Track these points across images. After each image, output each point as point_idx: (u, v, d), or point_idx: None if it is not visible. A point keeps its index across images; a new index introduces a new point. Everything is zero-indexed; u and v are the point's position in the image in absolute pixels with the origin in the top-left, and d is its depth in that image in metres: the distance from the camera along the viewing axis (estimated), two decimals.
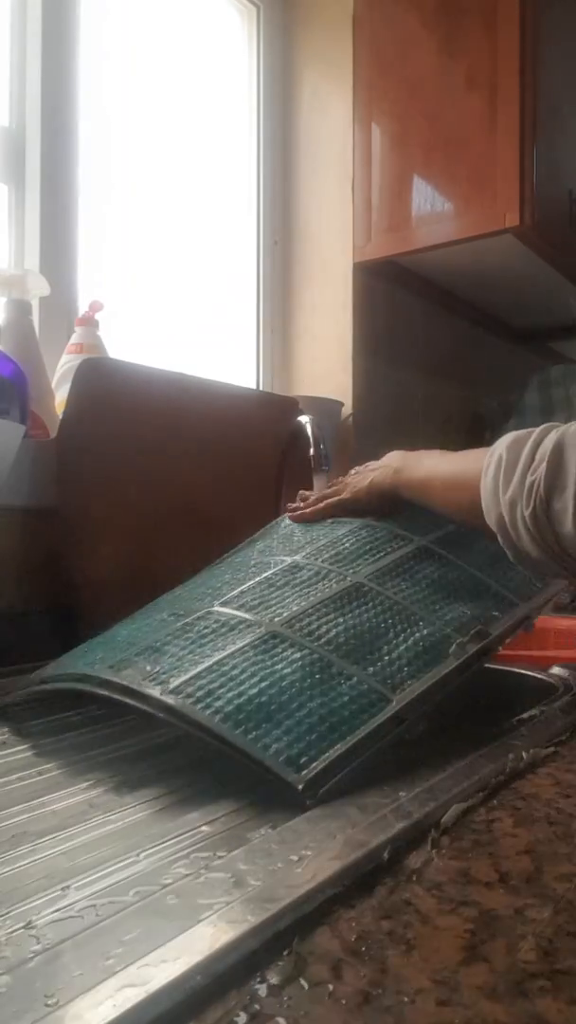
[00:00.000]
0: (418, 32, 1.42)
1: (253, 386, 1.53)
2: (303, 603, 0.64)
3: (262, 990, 0.27)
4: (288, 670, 0.54)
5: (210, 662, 0.54)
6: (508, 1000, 0.26)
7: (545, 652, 1.00)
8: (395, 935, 0.30)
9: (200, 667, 0.53)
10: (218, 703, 0.48)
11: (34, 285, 0.99)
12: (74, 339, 1.06)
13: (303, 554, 0.74)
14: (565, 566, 0.55)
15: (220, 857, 0.36)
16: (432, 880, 0.35)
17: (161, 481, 1.02)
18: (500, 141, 1.34)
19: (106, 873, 0.35)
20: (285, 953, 0.29)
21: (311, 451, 0.94)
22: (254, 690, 0.50)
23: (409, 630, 0.63)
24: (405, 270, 1.59)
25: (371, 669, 0.57)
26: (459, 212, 1.39)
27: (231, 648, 0.56)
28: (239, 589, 0.68)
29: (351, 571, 0.69)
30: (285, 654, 0.56)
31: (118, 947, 0.28)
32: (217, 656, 0.55)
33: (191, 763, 0.50)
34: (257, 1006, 0.26)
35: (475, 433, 1.90)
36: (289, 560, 0.73)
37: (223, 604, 0.66)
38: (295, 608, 0.63)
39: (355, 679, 0.55)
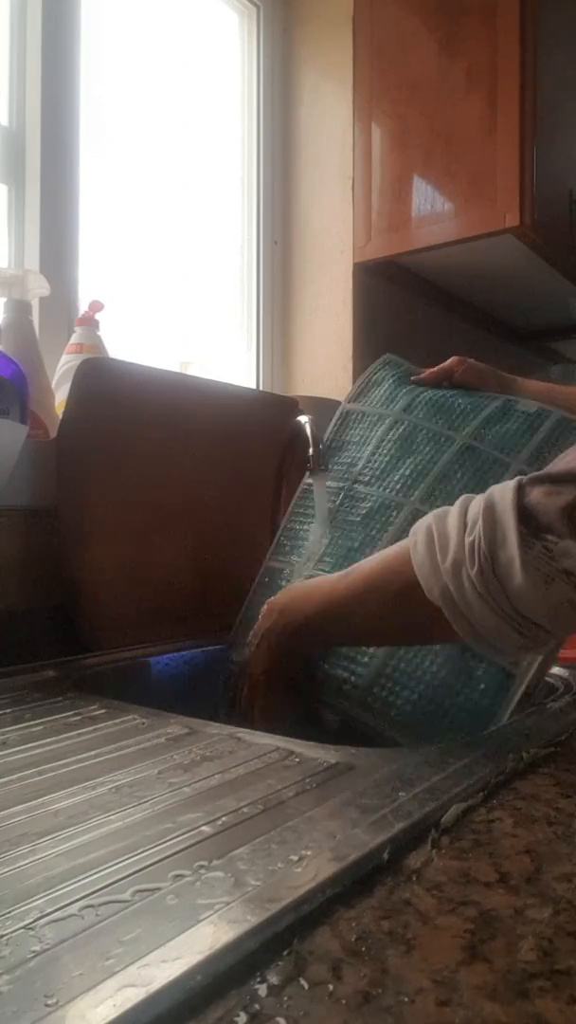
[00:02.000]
0: (418, 32, 1.42)
1: (253, 386, 1.53)
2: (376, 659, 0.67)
3: (262, 990, 0.27)
4: None
5: None
6: (508, 1000, 0.26)
7: None
8: (395, 935, 0.30)
9: None
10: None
11: (34, 285, 0.99)
12: (74, 339, 1.06)
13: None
14: (521, 631, 0.51)
15: (220, 857, 0.36)
16: (432, 880, 0.35)
17: (161, 481, 1.02)
18: (500, 141, 1.34)
19: (106, 873, 0.34)
20: (285, 953, 0.29)
21: (310, 451, 0.94)
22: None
23: (476, 672, 0.65)
24: (405, 270, 1.59)
25: None
26: (459, 212, 1.39)
27: None
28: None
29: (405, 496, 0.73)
30: None
31: (118, 947, 0.28)
32: None
33: (191, 763, 0.50)
34: (257, 1006, 0.26)
35: None
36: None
37: None
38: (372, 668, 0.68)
39: None
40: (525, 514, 0.50)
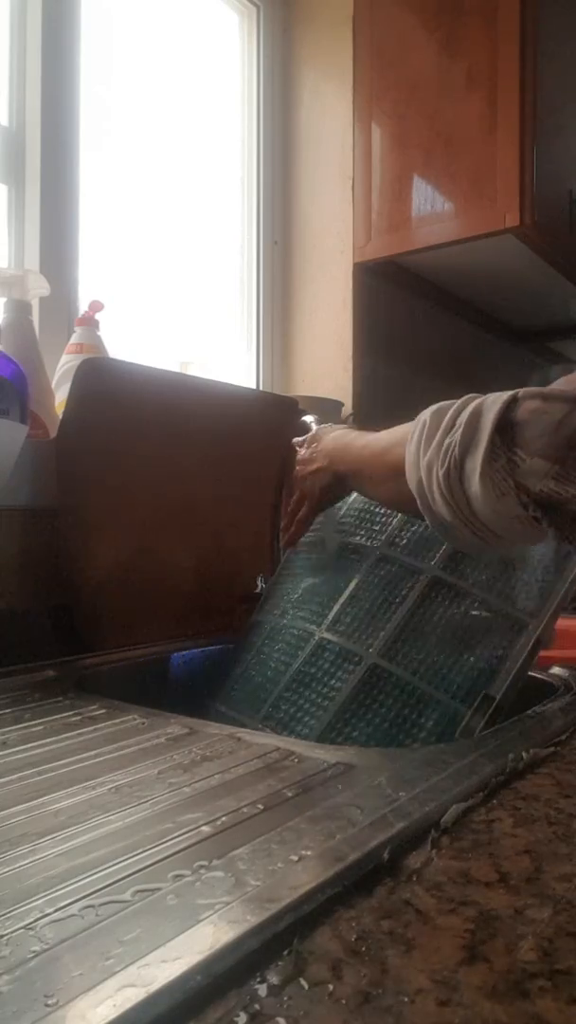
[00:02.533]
0: (418, 32, 1.42)
1: (253, 386, 1.53)
2: (328, 714, 0.69)
3: (262, 990, 0.27)
4: None
5: None
6: (508, 1000, 0.26)
7: (545, 652, 0.99)
8: (395, 935, 0.30)
9: None
10: None
11: (34, 285, 0.99)
12: (74, 339, 1.06)
13: (324, 628, 0.77)
14: (476, 532, 0.56)
15: (220, 857, 0.36)
16: (432, 880, 0.35)
17: (161, 481, 1.02)
18: (500, 141, 1.34)
19: (106, 873, 0.34)
20: (285, 953, 0.29)
21: None
22: None
23: (424, 717, 0.66)
24: (405, 270, 1.59)
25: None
26: (459, 212, 1.39)
27: None
28: (270, 700, 0.75)
29: (365, 645, 0.73)
30: None
31: (118, 947, 0.28)
32: None
33: (191, 763, 0.50)
34: (257, 1006, 0.26)
35: None
36: (314, 640, 0.77)
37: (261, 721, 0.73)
38: (325, 721, 0.69)
39: None
40: (505, 424, 0.53)
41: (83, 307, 1.09)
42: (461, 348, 1.86)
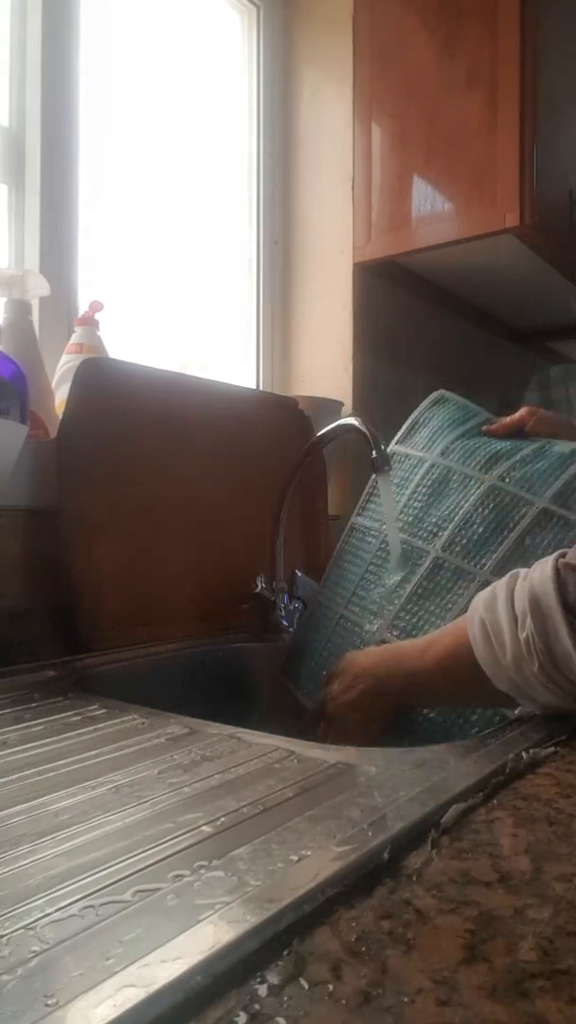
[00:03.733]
0: (418, 32, 1.42)
1: (253, 386, 1.53)
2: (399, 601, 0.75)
3: (262, 990, 0.27)
4: None
5: None
6: (508, 1000, 0.26)
7: None
8: (395, 935, 0.30)
9: None
10: None
11: (34, 285, 0.99)
12: (74, 339, 1.06)
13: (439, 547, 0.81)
14: None
15: (220, 857, 0.36)
16: (432, 880, 0.35)
17: (161, 481, 1.02)
18: (500, 141, 1.34)
19: (106, 873, 0.34)
20: (285, 953, 0.29)
21: (373, 453, 0.92)
22: None
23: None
24: (405, 270, 1.59)
25: None
26: (459, 212, 1.39)
27: None
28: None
29: (479, 566, 0.76)
30: None
31: (118, 947, 0.28)
32: None
33: (191, 763, 0.50)
34: (257, 1006, 0.26)
35: None
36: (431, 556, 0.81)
37: None
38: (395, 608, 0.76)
39: None
40: (568, 606, 0.53)
41: (83, 307, 1.09)
42: (461, 348, 1.86)
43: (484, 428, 0.91)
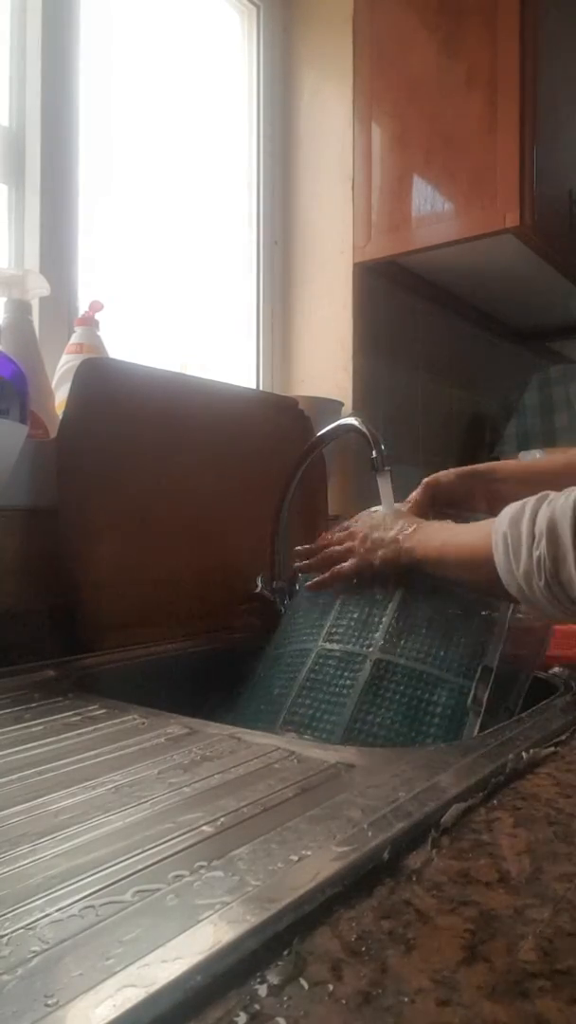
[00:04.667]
0: (418, 32, 1.42)
1: (253, 386, 1.53)
2: (347, 710, 0.71)
3: (262, 990, 0.27)
4: None
5: None
6: (508, 1000, 0.26)
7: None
8: (395, 935, 0.30)
9: None
10: None
11: (34, 285, 0.99)
12: (74, 339, 1.06)
13: (322, 638, 0.80)
14: None
15: (220, 857, 0.36)
16: (432, 880, 0.35)
17: (161, 481, 1.03)
18: (500, 141, 1.34)
19: (106, 873, 0.34)
20: (285, 953, 0.29)
21: (372, 453, 0.92)
22: None
23: (435, 698, 0.70)
24: (405, 270, 1.59)
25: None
26: (459, 212, 1.39)
27: None
28: (289, 701, 0.76)
29: (367, 645, 0.76)
30: None
31: (118, 947, 0.28)
32: None
33: (191, 763, 0.50)
34: (257, 1006, 0.26)
35: (475, 433, 1.90)
36: (315, 648, 0.79)
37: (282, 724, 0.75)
38: (345, 716, 0.71)
39: None
40: None
41: (83, 307, 1.09)
42: (461, 348, 1.86)
43: (306, 586, 0.88)
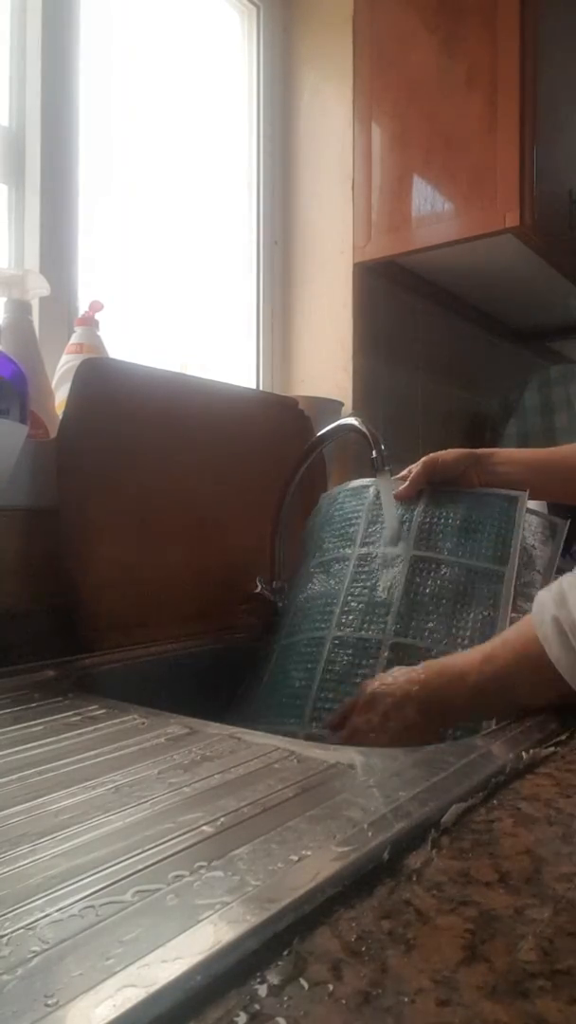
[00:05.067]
0: (418, 32, 1.42)
1: (253, 386, 1.53)
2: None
3: (262, 990, 0.27)
4: None
5: None
6: (508, 1000, 0.26)
7: None
8: (395, 935, 0.30)
9: None
10: None
11: (34, 285, 0.99)
12: (74, 339, 1.06)
13: (334, 625, 0.82)
14: None
15: (220, 857, 0.36)
16: (432, 880, 0.35)
17: (161, 481, 1.02)
18: (500, 141, 1.34)
19: (106, 873, 0.34)
20: (285, 953, 0.29)
21: (372, 453, 0.93)
22: None
23: None
24: (405, 270, 1.59)
25: None
26: (459, 212, 1.39)
27: None
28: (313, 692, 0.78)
29: (381, 630, 0.79)
30: None
31: (118, 947, 0.28)
32: None
33: (191, 763, 0.50)
34: (257, 1006, 0.26)
35: (475, 433, 1.90)
36: (329, 636, 0.82)
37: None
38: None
39: None
40: None
41: (83, 307, 1.09)
42: (461, 348, 1.86)
43: (395, 495, 0.90)
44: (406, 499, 0.89)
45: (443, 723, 0.68)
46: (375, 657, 0.77)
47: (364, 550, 0.86)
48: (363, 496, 0.93)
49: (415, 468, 0.91)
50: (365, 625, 0.79)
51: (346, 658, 0.78)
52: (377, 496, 0.91)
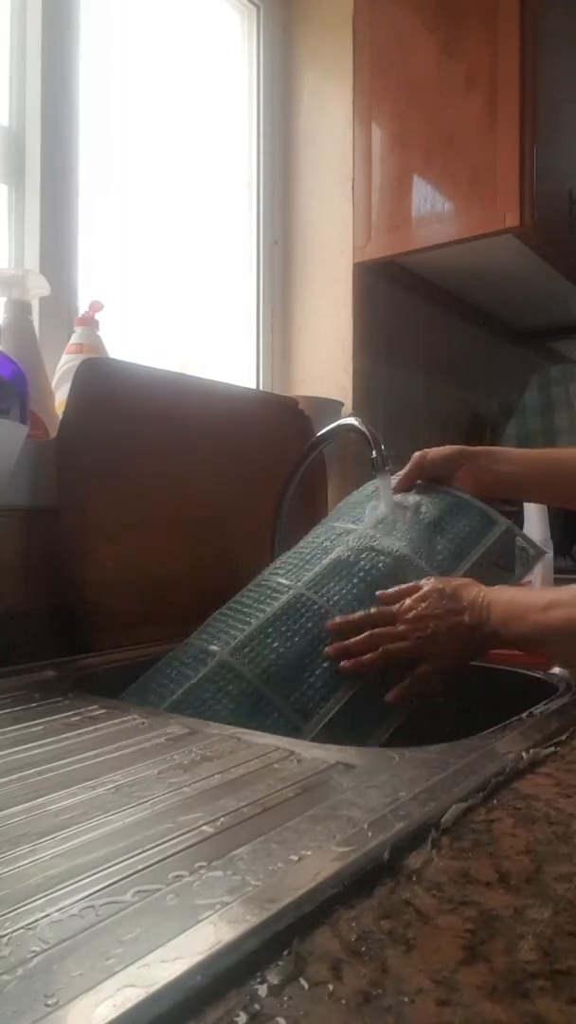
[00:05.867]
0: (418, 32, 1.42)
1: (253, 386, 1.53)
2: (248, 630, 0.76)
3: (262, 990, 0.27)
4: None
5: None
6: (508, 1000, 0.26)
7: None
8: (395, 935, 0.30)
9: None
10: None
11: (34, 285, 0.99)
12: (74, 339, 1.06)
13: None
14: None
15: (220, 857, 0.36)
16: (432, 880, 0.35)
17: (161, 481, 1.02)
18: (500, 141, 1.34)
19: (106, 873, 0.34)
20: (285, 953, 0.29)
21: (372, 453, 0.93)
22: None
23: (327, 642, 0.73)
24: (405, 270, 1.59)
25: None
26: (459, 212, 1.39)
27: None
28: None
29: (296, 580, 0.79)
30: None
31: (118, 947, 0.28)
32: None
33: (191, 763, 0.50)
34: (257, 1006, 0.26)
35: (475, 433, 1.90)
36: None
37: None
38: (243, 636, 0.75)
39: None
40: None
41: (83, 307, 1.09)
42: (461, 348, 1.86)
43: (392, 488, 0.90)
44: (398, 493, 0.89)
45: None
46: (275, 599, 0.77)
47: (343, 525, 0.87)
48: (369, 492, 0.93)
49: (405, 469, 0.91)
50: (290, 576, 0.80)
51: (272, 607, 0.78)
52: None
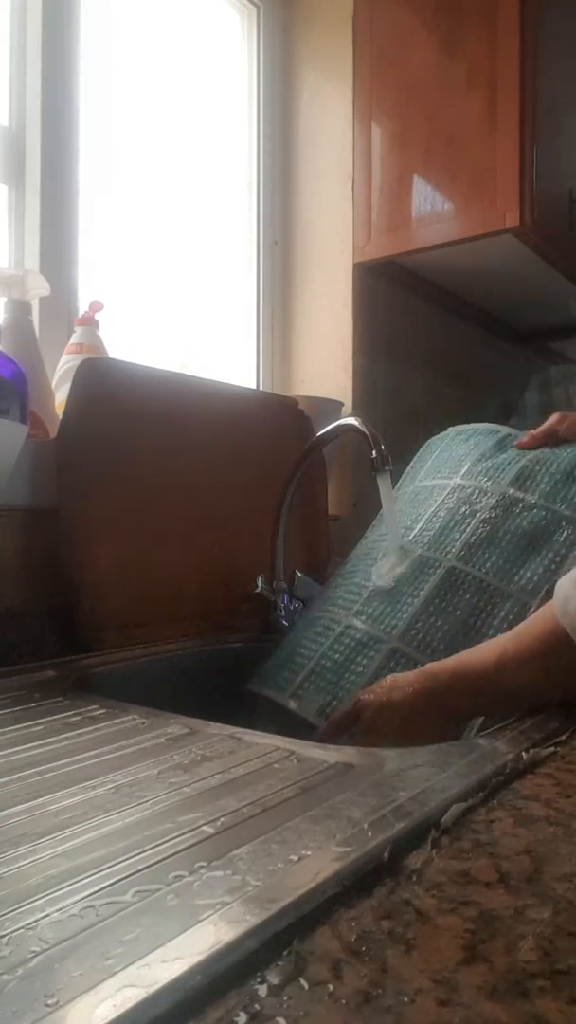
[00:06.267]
0: (418, 32, 1.42)
1: (253, 386, 1.53)
2: (410, 612, 0.78)
3: (262, 990, 0.27)
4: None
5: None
6: (508, 1000, 0.26)
7: None
8: (395, 935, 0.30)
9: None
10: None
11: (34, 285, 0.99)
12: (74, 339, 1.06)
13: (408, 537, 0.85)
14: None
15: (220, 857, 0.36)
16: (432, 880, 0.35)
17: (161, 481, 1.03)
18: (500, 141, 1.34)
19: (106, 873, 0.34)
20: (285, 953, 0.29)
21: (372, 453, 0.92)
22: None
23: (495, 610, 0.75)
24: (405, 270, 1.59)
25: None
26: (459, 212, 1.39)
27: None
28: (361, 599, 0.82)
29: (444, 552, 0.81)
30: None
31: (118, 947, 0.28)
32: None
33: (191, 763, 0.50)
34: (257, 1006, 0.26)
35: None
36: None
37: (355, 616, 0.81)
38: (406, 619, 0.77)
39: None
40: None
41: (83, 307, 1.09)
42: (461, 348, 1.86)
43: (515, 443, 0.89)
44: (523, 448, 0.88)
45: (454, 722, 0.68)
46: (430, 575, 0.78)
47: (461, 481, 0.87)
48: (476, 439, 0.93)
49: (548, 423, 0.88)
50: (433, 545, 0.81)
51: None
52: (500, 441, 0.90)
